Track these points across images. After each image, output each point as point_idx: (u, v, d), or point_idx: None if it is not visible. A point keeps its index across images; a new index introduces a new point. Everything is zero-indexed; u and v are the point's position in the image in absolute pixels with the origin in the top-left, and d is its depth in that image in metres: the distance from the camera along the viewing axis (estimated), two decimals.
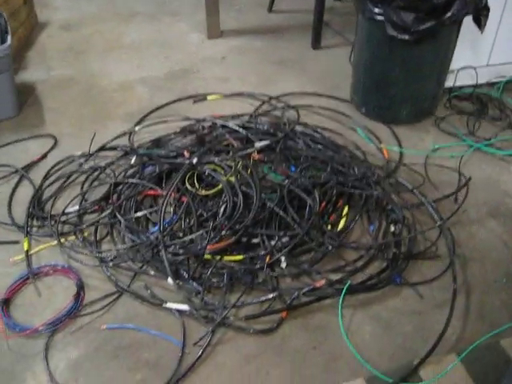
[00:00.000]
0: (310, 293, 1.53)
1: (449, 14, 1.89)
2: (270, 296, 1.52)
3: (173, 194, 1.77)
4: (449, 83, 2.28)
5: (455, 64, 2.21)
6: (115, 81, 2.51)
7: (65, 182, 1.93)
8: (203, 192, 1.75)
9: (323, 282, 1.53)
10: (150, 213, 1.75)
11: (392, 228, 1.72)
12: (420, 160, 2.02)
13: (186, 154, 1.86)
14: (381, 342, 1.44)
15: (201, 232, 1.61)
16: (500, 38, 2.22)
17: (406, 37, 1.91)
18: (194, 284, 1.55)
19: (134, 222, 1.74)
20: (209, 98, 2.33)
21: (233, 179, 1.75)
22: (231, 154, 1.84)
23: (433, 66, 2.08)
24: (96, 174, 1.94)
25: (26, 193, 1.90)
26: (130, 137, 2.10)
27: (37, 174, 1.97)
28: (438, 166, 1.99)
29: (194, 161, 1.79)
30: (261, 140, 1.92)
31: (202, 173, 1.81)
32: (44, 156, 2.05)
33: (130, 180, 1.84)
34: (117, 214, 1.73)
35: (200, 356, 1.39)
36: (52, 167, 2.00)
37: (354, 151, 2.01)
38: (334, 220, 1.74)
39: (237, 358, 1.41)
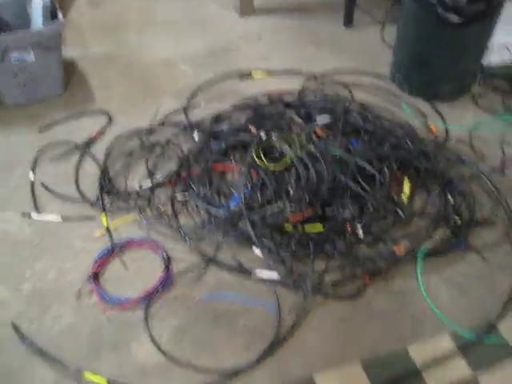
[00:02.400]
0: (389, 258, 1.64)
1: None
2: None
3: (242, 169, 1.84)
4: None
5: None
6: (156, 57, 2.51)
7: (129, 157, 1.96)
8: (273, 166, 1.81)
9: (403, 248, 1.63)
10: (229, 186, 1.81)
11: (451, 198, 1.83)
12: (463, 135, 2.13)
13: (253, 129, 1.91)
14: (457, 302, 1.56)
15: (282, 204, 1.67)
16: None
17: (457, 19, 2.00)
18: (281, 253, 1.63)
19: (210, 195, 1.79)
20: (254, 75, 2.37)
21: (299, 153, 1.82)
22: (296, 128, 1.90)
23: (477, 46, 2.18)
24: (160, 149, 1.98)
25: (89, 169, 1.93)
26: (185, 113, 2.13)
27: (97, 150, 1.99)
28: (482, 140, 2.11)
29: (263, 135, 1.85)
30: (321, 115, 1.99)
31: (269, 147, 1.87)
32: (101, 132, 2.07)
33: (204, 155, 1.89)
34: (193, 187, 1.78)
35: (297, 321, 1.48)
36: (113, 142, 2.02)
37: (405, 127, 2.09)
38: (397, 191, 1.84)
39: (330, 321, 1.50)
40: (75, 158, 1.97)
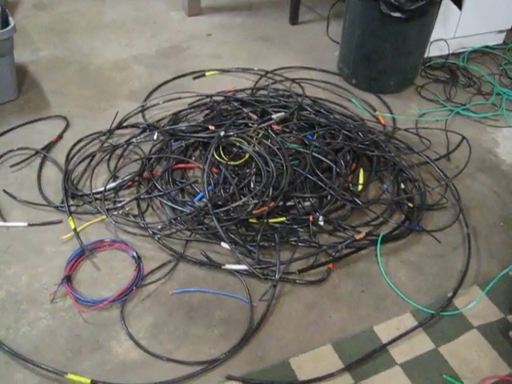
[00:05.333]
0: (350, 245, 1.73)
1: None
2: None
3: (201, 166, 1.90)
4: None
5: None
6: (108, 60, 2.52)
7: (91, 160, 1.98)
8: (232, 162, 1.87)
9: (363, 234, 1.73)
10: (191, 184, 1.86)
11: (402, 185, 1.95)
12: (410, 124, 2.26)
13: (212, 127, 1.97)
14: (415, 281, 1.68)
15: (246, 198, 1.74)
16: (465, 13, 2.49)
17: (399, 15, 2.12)
18: (247, 246, 1.70)
19: (174, 194, 1.84)
20: (207, 73, 2.43)
21: (257, 149, 1.89)
22: (254, 125, 1.97)
23: (419, 40, 2.32)
24: (121, 151, 2.00)
25: (51, 174, 1.93)
26: (143, 114, 2.17)
27: (58, 154, 2.00)
28: (428, 129, 2.24)
29: (222, 133, 1.91)
30: (276, 112, 2.06)
31: (228, 144, 1.93)
32: (60, 136, 2.07)
33: (165, 154, 1.93)
34: (158, 186, 1.83)
35: (268, 308, 1.55)
36: (73, 146, 2.03)
37: (356, 119, 2.20)
38: (352, 181, 1.94)
39: (300, 306, 1.58)
40: (36, 163, 1.97)
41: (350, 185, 1.90)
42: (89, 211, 1.80)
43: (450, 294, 1.63)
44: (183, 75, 2.41)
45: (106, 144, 2.03)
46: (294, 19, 2.84)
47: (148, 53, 2.58)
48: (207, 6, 2.92)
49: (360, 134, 2.05)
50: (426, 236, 1.81)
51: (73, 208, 1.80)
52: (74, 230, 1.72)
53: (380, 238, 1.73)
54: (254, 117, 2.03)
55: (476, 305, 1.60)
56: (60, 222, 1.77)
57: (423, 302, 1.61)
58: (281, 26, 2.85)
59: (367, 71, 2.38)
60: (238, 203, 1.73)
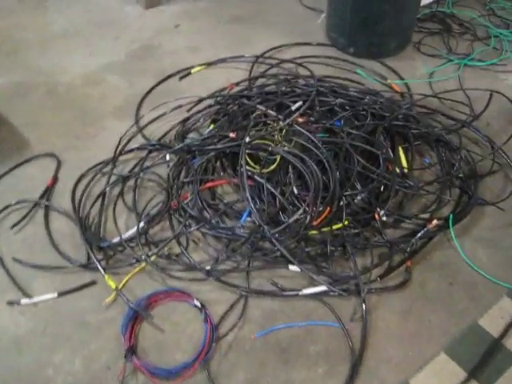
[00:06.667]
0: (423, 236, 1.58)
1: None
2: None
3: (235, 181, 1.68)
4: None
5: None
6: (77, 75, 2.19)
7: (103, 200, 1.69)
8: (265, 170, 1.66)
9: (435, 222, 1.58)
10: (231, 206, 1.64)
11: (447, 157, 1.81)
12: (423, 87, 2.11)
13: (232, 134, 1.73)
14: (497, 258, 1.56)
15: (301, 210, 1.54)
16: None
17: None
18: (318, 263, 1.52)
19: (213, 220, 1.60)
20: (193, 71, 2.15)
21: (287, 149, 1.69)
22: (275, 123, 1.75)
23: None
24: (133, 181, 1.73)
25: (62, 225, 1.64)
26: (142, 133, 1.89)
27: (61, 201, 1.70)
28: (444, 89, 2.09)
29: (247, 139, 1.69)
30: (294, 102, 1.85)
31: (252, 150, 1.71)
32: (55, 178, 1.77)
33: (191, 178, 1.67)
34: (192, 214, 1.60)
35: (366, 329, 1.39)
36: (74, 187, 1.74)
37: (373, 92, 2.02)
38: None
39: (394, 317, 1.43)
40: (39, 216, 1.67)
41: (397, 169, 1.74)
42: (123, 262, 1.54)
43: None
44: (168, 77, 2.13)
45: (113, 176, 1.75)
46: None
47: (118, 59, 2.27)
48: None
49: (384, 108, 1.88)
50: (488, 207, 1.69)
51: (103, 263, 1.54)
52: (116, 288, 1.47)
53: (451, 220, 1.60)
54: (273, 113, 1.80)
55: None
56: (94, 282, 1.50)
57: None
58: (249, 2, 2.59)
59: (366, 37, 2.20)
60: (295, 217, 1.53)
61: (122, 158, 1.81)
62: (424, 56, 2.28)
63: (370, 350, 1.36)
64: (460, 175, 1.74)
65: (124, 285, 1.49)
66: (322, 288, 1.46)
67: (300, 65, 2.17)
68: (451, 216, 1.61)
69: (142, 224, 1.59)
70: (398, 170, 1.70)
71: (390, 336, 1.39)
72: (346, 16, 2.19)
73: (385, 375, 1.31)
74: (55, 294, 1.47)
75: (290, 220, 1.53)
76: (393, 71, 2.18)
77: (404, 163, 1.76)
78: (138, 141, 1.87)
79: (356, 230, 1.57)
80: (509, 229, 1.63)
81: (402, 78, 2.14)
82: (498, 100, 2.04)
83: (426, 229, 1.57)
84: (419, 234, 1.56)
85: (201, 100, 1.98)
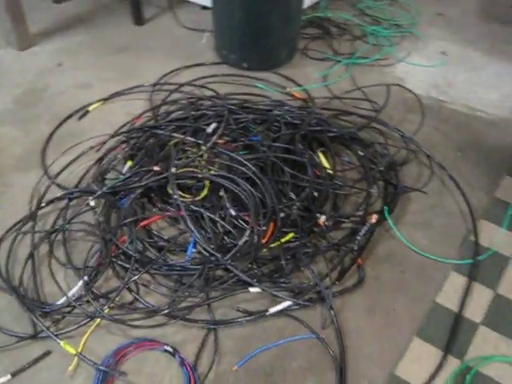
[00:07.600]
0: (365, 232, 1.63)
1: None
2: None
3: (170, 214, 1.62)
4: None
5: None
6: None
7: (33, 261, 1.52)
8: (198, 197, 1.62)
9: (375, 216, 1.63)
10: (175, 243, 1.56)
11: (361, 152, 1.89)
12: (322, 90, 2.19)
13: (157, 167, 1.65)
14: (434, 238, 1.66)
15: (248, 231, 1.51)
16: None
17: None
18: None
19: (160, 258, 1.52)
20: (90, 108, 2.03)
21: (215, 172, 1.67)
22: (197, 148, 1.72)
23: (298, 4, 2.23)
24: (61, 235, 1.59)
25: None
26: (57, 183, 1.74)
27: None
28: (341, 89, 2.20)
29: (173, 170, 1.62)
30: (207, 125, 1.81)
31: (179, 179, 1.65)
32: None
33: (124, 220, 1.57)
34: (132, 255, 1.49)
35: (340, 334, 1.40)
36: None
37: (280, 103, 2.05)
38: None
39: (362, 314, 1.46)
40: None
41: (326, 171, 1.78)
42: (74, 323, 1.39)
43: (472, 238, 1.65)
44: (66, 119, 1.99)
45: (36, 234, 1.59)
46: (138, 19, 2.52)
47: (5, 107, 2.07)
48: (35, 34, 2.43)
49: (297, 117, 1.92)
50: (413, 193, 1.79)
51: (52, 329, 1.38)
52: (76, 353, 1.33)
53: (387, 212, 1.67)
54: (192, 139, 1.76)
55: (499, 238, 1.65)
56: (49, 353, 1.35)
57: (455, 255, 1.60)
58: (128, 30, 2.51)
59: (257, 51, 2.24)
60: (244, 239, 1.50)
61: (39, 212, 1.65)
62: (313, 61, 2.37)
63: (348, 352, 1.37)
64: (381, 168, 1.83)
65: (83, 347, 1.36)
66: (287, 303, 1.44)
67: (202, 86, 2.14)
68: (387, 208, 1.68)
69: (85, 278, 1.47)
70: (326, 173, 1.75)
71: (363, 334, 1.42)
72: (234, 32, 2.21)
73: (371, 372, 1.33)
74: (8, 376, 1.30)
75: (240, 242, 1.50)
76: (289, 80, 2.23)
77: (327, 166, 1.81)
78: (53, 191, 1.72)
79: (303, 240, 1.58)
80: (435, 209, 1.75)
81: (299, 85, 2.20)
82: (396, 92, 2.19)
83: (368, 224, 1.61)
84: (363, 231, 1.59)
85: (112, 136, 1.88)
